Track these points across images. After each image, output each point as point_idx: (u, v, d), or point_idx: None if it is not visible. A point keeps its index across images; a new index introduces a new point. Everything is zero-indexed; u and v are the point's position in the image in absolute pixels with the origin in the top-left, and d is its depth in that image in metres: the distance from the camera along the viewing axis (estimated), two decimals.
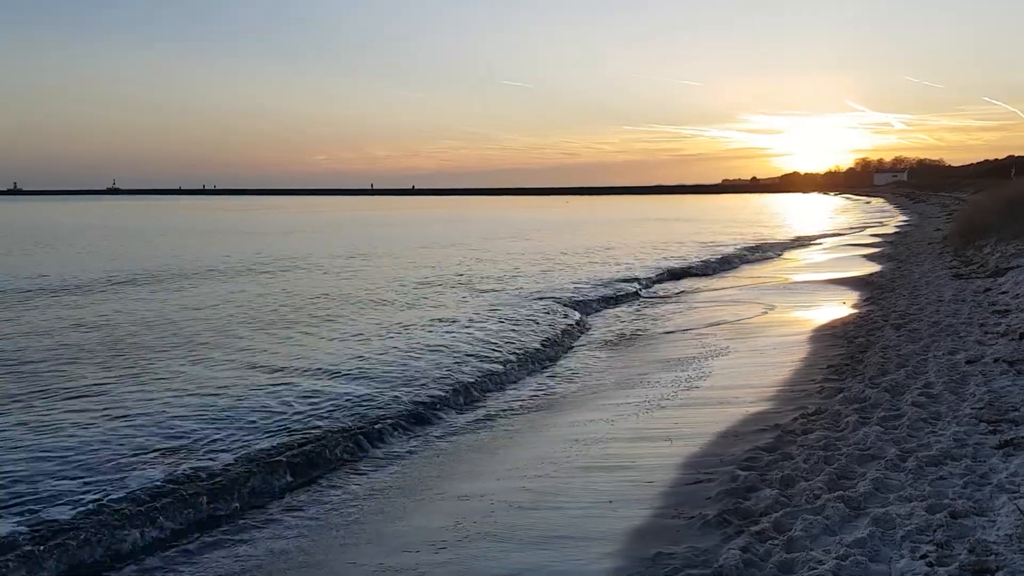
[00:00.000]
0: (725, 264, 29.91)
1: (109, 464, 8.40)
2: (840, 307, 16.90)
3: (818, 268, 26.35)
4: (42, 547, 6.51)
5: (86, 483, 7.89)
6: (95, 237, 49.02)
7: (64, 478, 8.04)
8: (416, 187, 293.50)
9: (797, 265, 28.07)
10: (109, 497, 7.47)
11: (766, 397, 10.11)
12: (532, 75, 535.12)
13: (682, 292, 22.60)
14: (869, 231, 44.41)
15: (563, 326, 16.73)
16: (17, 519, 7.04)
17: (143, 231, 56.99)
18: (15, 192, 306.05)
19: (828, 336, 13.55)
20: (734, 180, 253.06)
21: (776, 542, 5.52)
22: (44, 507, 7.33)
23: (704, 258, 31.55)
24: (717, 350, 13.47)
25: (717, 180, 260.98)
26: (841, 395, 9.22)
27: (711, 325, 16.15)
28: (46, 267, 28.65)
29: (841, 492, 6.20)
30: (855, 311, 15.97)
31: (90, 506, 7.30)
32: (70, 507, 7.31)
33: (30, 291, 22.10)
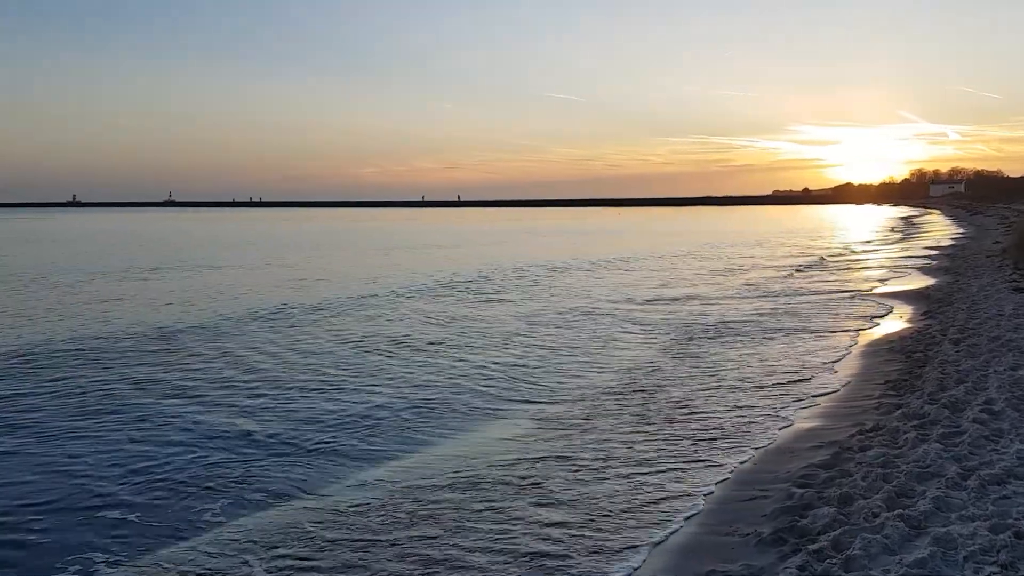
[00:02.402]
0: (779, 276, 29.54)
1: None
2: (896, 321, 16.61)
3: (873, 281, 25.90)
4: None
5: None
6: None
7: None
8: (461, 198, 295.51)
9: (851, 277, 27.60)
10: None
11: (820, 413, 9.97)
12: (579, 88, 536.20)
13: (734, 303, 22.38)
14: (924, 243, 43.58)
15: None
16: None
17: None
18: (74, 204, 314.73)
19: (885, 351, 13.32)
20: (785, 191, 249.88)
21: (834, 561, 5.44)
22: None
23: (748, 269, 31.20)
24: (764, 363, 13.29)
25: (767, 191, 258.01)
26: (900, 411, 9.06)
27: (761, 337, 15.94)
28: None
29: (901, 510, 6.10)
30: (912, 325, 15.68)
31: None
32: None
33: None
